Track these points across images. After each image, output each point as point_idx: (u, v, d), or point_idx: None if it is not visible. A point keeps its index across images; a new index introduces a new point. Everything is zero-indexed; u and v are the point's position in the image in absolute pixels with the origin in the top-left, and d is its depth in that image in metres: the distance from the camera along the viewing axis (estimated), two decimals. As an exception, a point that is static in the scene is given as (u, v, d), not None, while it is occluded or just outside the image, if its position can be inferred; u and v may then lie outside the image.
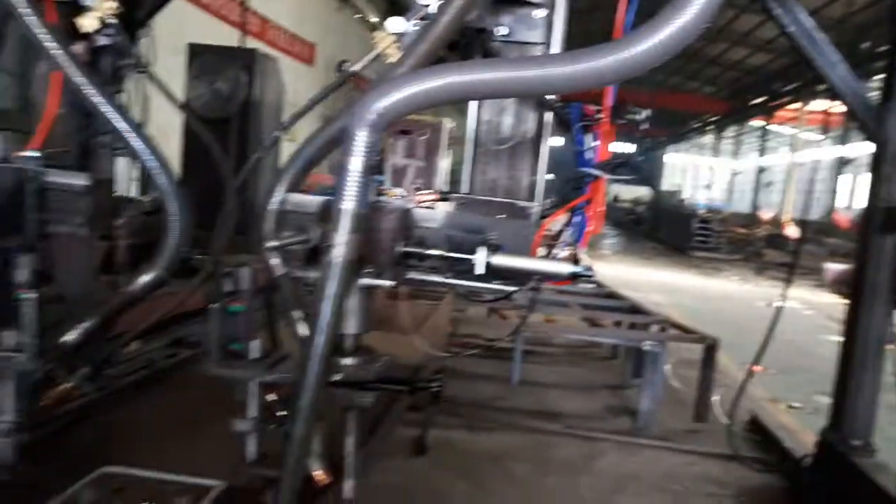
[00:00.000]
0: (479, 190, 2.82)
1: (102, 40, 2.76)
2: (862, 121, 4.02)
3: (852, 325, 3.99)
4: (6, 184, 2.19)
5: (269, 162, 8.62)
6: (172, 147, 7.22)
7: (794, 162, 30.84)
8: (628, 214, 35.08)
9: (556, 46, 2.75)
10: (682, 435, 5.41)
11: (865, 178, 4.16)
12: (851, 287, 4.08)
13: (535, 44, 2.76)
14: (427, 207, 2.69)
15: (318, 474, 2.28)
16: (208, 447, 2.73)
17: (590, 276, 2.38)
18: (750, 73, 33.17)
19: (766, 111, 34.09)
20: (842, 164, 26.74)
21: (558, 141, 2.97)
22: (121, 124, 2.50)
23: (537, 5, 2.75)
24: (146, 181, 6.41)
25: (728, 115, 39.04)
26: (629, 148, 31.04)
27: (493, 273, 2.37)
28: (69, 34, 2.63)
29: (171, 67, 5.48)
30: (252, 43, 14.84)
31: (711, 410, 5.67)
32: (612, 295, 7.67)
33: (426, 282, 2.53)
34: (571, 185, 2.65)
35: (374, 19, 29.31)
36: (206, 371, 2.12)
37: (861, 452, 3.90)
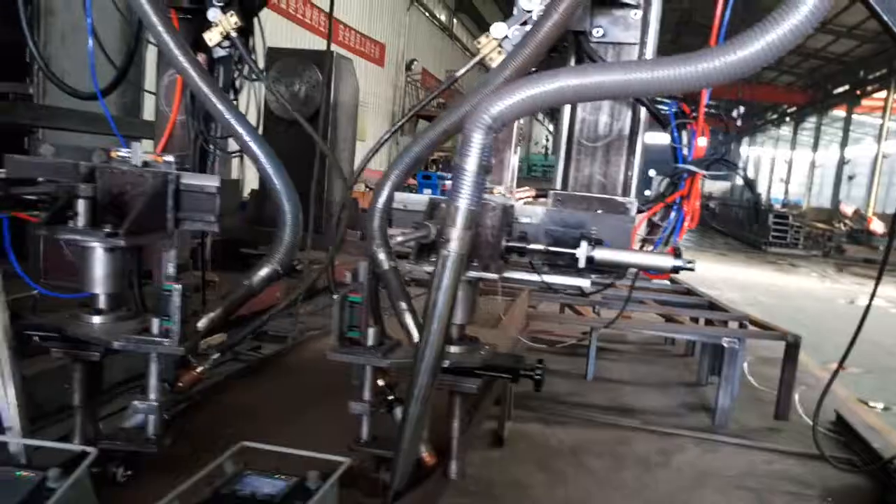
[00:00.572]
0: (574, 186, 2.89)
1: (219, 52, 2.99)
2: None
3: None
4: (152, 186, 2.42)
5: (343, 163, 8.94)
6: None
7: (880, 153, 29.43)
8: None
9: (650, 46, 2.79)
10: (762, 433, 5.35)
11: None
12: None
13: (631, 44, 2.81)
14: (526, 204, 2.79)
15: (425, 455, 2.43)
16: (316, 429, 2.92)
17: (692, 269, 2.44)
18: (831, 61, 31.87)
19: (850, 100, 32.68)
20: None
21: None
22: (240, 129, 2.69)
23: (633, 6, 2.79)
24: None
25: (808, 105, 37.62)
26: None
27: (593, 267, 2.45)
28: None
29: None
30: (321, 44, 15.25)
31: (793, 409, 5.58)
32: (689, 291, 7.59)
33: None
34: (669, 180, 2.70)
35: (443, 18, 29.55)
36: (329, 356, 2.30)
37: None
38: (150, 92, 3.67)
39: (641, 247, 2.76)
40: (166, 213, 2.47)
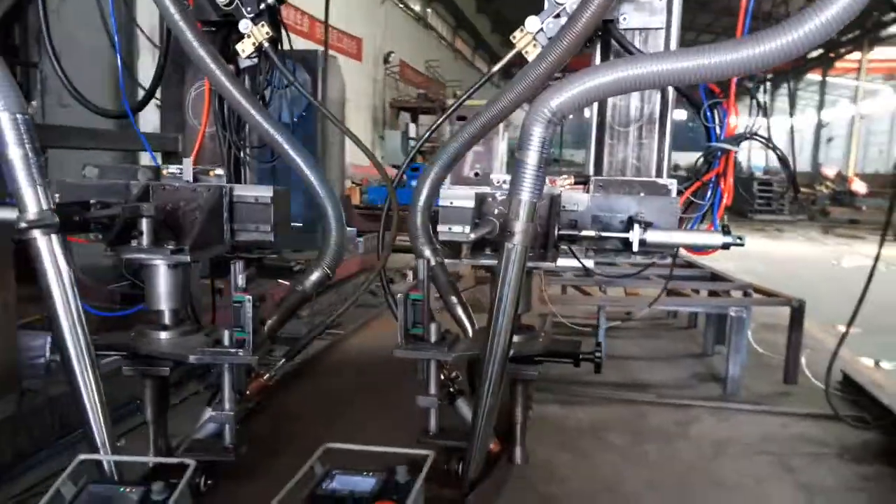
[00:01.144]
0: (609, 171, 2.95)
1: (246, 62, 3.02)
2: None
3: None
4: (207, 201, 2.47)
5: (334, 160, 8.97)
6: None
7: (857, 114, 29.75)
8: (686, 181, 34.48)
9: (674, 31, 2.85)
10: (774, 397, 5.45)
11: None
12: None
13: (657, 29, 2.87)
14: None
15: (492, 444, 2.51)
16: (365, 425, 2.98)
17: (742, 244, 2.52)
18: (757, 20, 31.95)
19: (825, 63, 32.91)
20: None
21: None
22: (281, 139, 2.74)
23: None
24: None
25: (783, 70, 37.83)
26: (679, 113, 30.46)
27: (644, 249, 2.51)
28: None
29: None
30: (302, 43, 15.18)
31: (801, 372, 5.71)
32: (690, 264, 7.70)
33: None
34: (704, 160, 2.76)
35: (417, 8, 29.41)
36: (395, 354, 2.35)
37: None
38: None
39: (679, 225, 2.83)
40: (222, 226, 2.52)
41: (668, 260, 7.45)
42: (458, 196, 2.75)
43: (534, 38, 2.67)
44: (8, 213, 2.23)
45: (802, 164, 36.25)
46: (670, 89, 2.89)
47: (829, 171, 28.58)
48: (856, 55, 29.36)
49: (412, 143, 18.50)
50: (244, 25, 2.98)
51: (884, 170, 33.08)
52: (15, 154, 2.15)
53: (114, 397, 3.79)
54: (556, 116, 2.12)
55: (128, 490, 1.80)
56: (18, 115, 2.17)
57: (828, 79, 34.42)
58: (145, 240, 2.29)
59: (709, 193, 2.88)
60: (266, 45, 2.95)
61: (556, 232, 2.56)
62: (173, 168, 2.55)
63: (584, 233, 2.58)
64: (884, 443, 4.59)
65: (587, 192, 2.74)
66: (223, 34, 3.10)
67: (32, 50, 4.53)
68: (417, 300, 2.36)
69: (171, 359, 2.35)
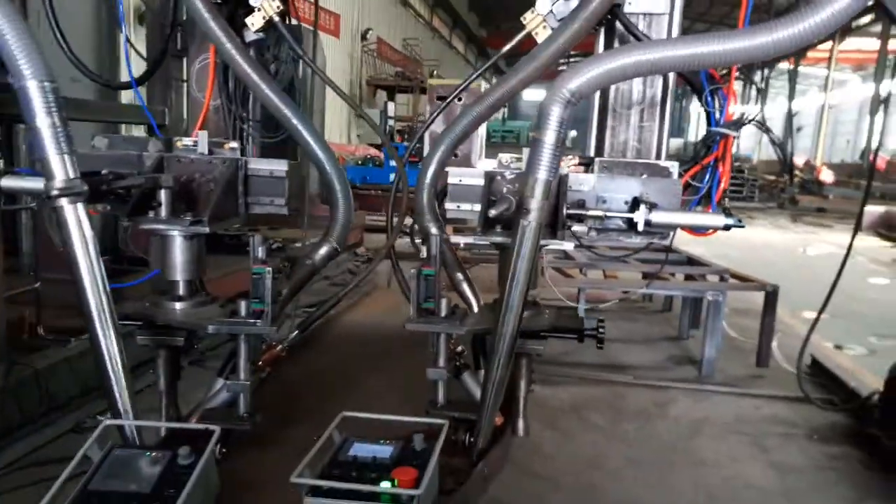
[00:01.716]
0: (610, 153, 3.01)
1: (251, 36, 3.01)
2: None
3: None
4: (222, 173, 2.48)
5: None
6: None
7: (825, 104, 30.27)
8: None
9: (676, 16, 2.91)
10: (747, 380, 5.61)
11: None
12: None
13: (661, 14, 2.93)
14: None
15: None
16: (373, 396, 3.03)
17: (742, 226, 2.60)
18: (779, 14, 32.35)
19: (796, 53, 33.33)
20: (878, 103, 26.21)
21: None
22: (289, 114, 2.75)
23: None
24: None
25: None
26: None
27: (648, 230, 2.57)
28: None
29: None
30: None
31: (772, 356, 5.89)
32: (668, 249, 7.82)
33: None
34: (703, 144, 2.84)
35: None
36: (407, 327, 2.40)
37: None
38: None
39: None
40: (237, 199, 2.54)
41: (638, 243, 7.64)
42: (467, 174, 2.79)
43: (543, 20, 2.71)
44: (34, 183, 2.23)
45: (772, 153, 36.88)
46: (671, 74, 2.95)
47: (798, 160, 29.10)
48: (827, 45, 29.80)
49: (391, 122, 18.41)
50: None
51: (850, 159, 33.79)
52: (43, 123, 2.16)
53: (96, 372, 3.84)
54: (574, 97, 2.17)
55: (154, 454, 1.84)
56: (46, 83, 2.17)
57: (799, 68, 34.89)
58: (164, 211, 2.31)
59: (707, 176, 2.96)
60: (276, 19, 2.95)
61: (564, 211, 2.62)
62: (187, 140, 2.55)
63: (592, 212, 2.64)
64: (850, 424, 4.77)
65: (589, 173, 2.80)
66: (229, 8, 3.07)
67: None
68: (430, 275, 2.42)
69: (189, 328, 2.38)
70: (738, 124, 2.86)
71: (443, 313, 2.45)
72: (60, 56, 3.28)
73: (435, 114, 2.97)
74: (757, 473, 3.90)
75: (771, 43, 2.02)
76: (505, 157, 2.75)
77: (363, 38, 25.40)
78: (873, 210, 16.46)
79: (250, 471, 2.32)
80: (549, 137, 2.18)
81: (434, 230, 2.63)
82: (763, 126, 3.20)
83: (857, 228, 4.65)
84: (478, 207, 2.68)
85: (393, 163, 15.10)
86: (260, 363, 2.58)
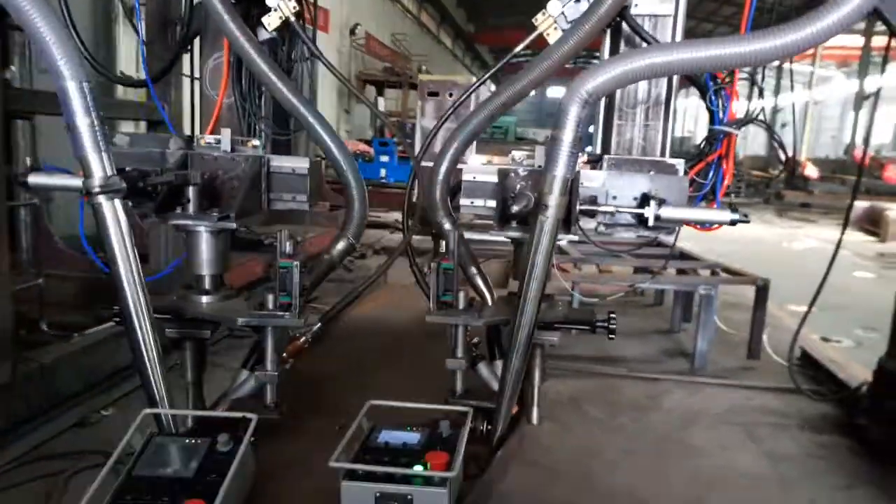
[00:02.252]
0: (616, 150, 3.09)
1: (264, 35, 3.07)
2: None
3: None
4: (245, 170, 2.54)
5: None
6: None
7: (810, 100, 30.58)
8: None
9: (680, 18, 2.99)
10: (738, 372, 5.71)
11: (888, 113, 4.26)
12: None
13: (666, 16, 3.01)
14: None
15: None
16: (390, 386, 3.11)
17: (748, 221, 2.70)
18: (765, 12, 32.62)
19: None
20: (861, 99, 26.52)
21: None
22: (305, 111, 2.81)
23: None
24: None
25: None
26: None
27: (657, 224, 2.65)
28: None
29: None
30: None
31: (763, 348, 6.01)
32: (659, 243, 7.94)
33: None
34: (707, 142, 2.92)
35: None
36: (427, 319, 2.47)
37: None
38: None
39: None
40: (260, 196, 2.60)
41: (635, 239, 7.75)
42: (481, 171, 2.86)
43: (554, 22, 2.78)
44: (73, 181, 2.29)
45: (758, 148, 37.20)
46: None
47: (782, 155, 29.31)
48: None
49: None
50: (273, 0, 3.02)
51: (834, 155, 34.14)
52: (82, 122, 2.22)
53: (99, 368, 3.88)
54: (592, 97, 2.25)
55: (193, 441, 1.90)
56: (84, 84, 2.23)
57: (784, 65, 35.10)
58: (192, 207, 2.37)
59: (711, 173, 3.05)
60: (292, 19, 3.01)
61: (577, 207, 2.70)
62: (209, 138, 2.61)
63: (603, 208, 2.72)
64: (840, 414, 4.89)
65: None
66: (243, 6, 3.12)
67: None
68: (448, 269, 2.49)
69: (219, 321, 2.44)
70: (741, 123, 2.95)
71: (461, 306, 2.53)
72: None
73: (447, 114, 3.04)
74: (750, 462, 4.00)
75: (781, 46, 2.11)
76: (518, 154, 2.83)
77: (352, 32, 25.32)
78: (857, 205, 16.67)
79: (271, 461, 2.39)
80: (567, 136, 2.26)
81: (448, 225, 2.70)
82: (766, 125, 3.29)
83: (846, 224, 4.76)
84: (490, 203, 2.77)
85: (384, 158, 15.15)
86: (284, 354, 2.65)
